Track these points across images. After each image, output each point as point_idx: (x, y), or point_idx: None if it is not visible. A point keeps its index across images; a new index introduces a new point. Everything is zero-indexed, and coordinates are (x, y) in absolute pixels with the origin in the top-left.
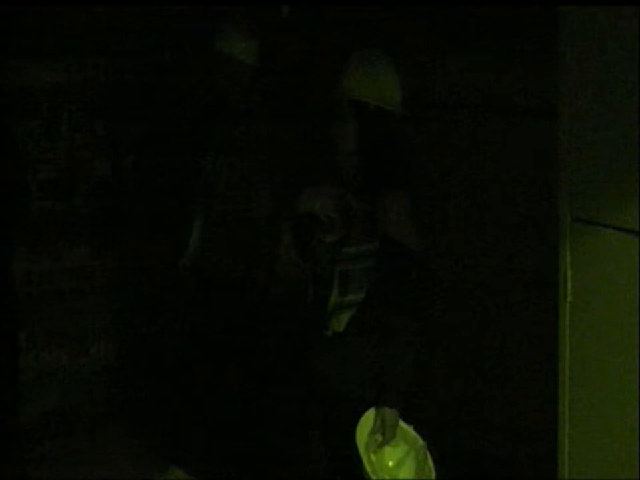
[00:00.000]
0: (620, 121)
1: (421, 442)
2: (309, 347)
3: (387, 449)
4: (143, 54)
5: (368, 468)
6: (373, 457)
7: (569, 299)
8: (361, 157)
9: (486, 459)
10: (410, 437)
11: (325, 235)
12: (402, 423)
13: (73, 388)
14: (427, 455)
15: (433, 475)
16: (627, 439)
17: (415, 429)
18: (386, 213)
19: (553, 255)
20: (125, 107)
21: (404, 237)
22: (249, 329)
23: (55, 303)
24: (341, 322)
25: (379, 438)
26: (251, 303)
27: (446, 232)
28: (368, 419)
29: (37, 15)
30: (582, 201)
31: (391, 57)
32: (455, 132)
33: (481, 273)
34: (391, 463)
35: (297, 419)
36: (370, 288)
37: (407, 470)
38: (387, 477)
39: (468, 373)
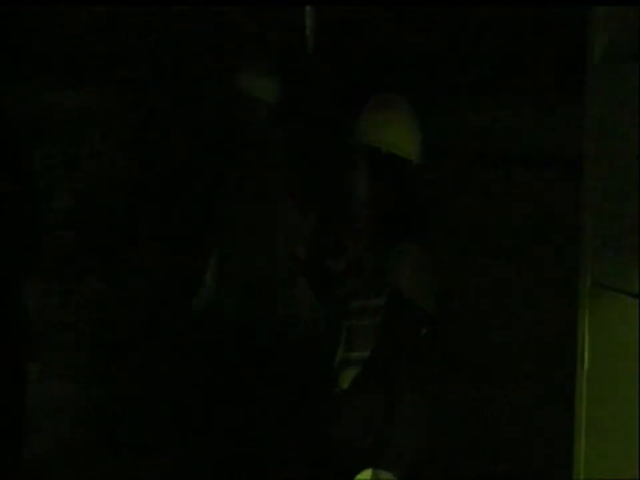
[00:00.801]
0: None
1: None
2: (316, 403)
3: None
4: (162, 87)
5: None
6: None
7: (586, 366)
8: (373, 206)
9: None
10: None
11: (335, 288)
12: None
13: (83, 421)
14: None
15: None
16: None
17: None
18: (396, 266)
19: (570, 321)
20: (144, 138)
21: (414, 293)
22: (258, 376)
23: (66, 334)
24: (346, 379)
25: None
26: (263, 348)
27: (461, 291)
28: (364, 477)
29: (59, 39)
30: (603, 265)
31: (411, 103)
32: (475, 184)
33: (495, 335)
34: None
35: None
36: (377, 345)
37: None
38: None
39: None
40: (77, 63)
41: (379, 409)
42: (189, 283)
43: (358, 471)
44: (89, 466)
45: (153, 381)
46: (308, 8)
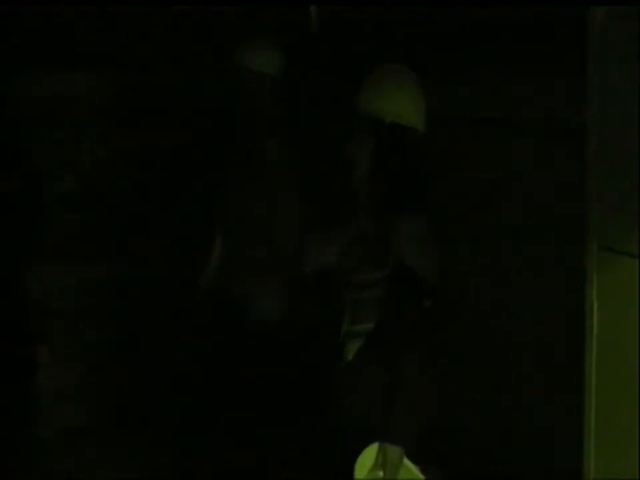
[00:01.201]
0: None
1: None
2: (322, 376)
3: None
4: (163, 66)
5: None
6: None
7: (595, 331)
8: (376, 177)
9: None
10: (414, 478)
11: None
12: (407, 462)
13: (91, 405)
14: None
15: None
16: None
17: (424, 470)
18: (399, 237)
19: (578, 287)
20: (146, 120)
21: (417, 263)
22: (261, 353)
23: (73, 318)
24: (349, 351)
25: (379, 475)
26: (266, 324)
27: (464, 260)
28: (370, 453)
29: (60, 25)
30: (610, 229)
31: (414, 71)
32: (478, 152)
33: (500, 302)
34: None
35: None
36: (380, 316)
37: None
38: None
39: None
40: (79, 50)
41: (383, 381)
42: (195, 265)
43: (364, 444)
44: (98, 450)
45: (162, 363)
46: None
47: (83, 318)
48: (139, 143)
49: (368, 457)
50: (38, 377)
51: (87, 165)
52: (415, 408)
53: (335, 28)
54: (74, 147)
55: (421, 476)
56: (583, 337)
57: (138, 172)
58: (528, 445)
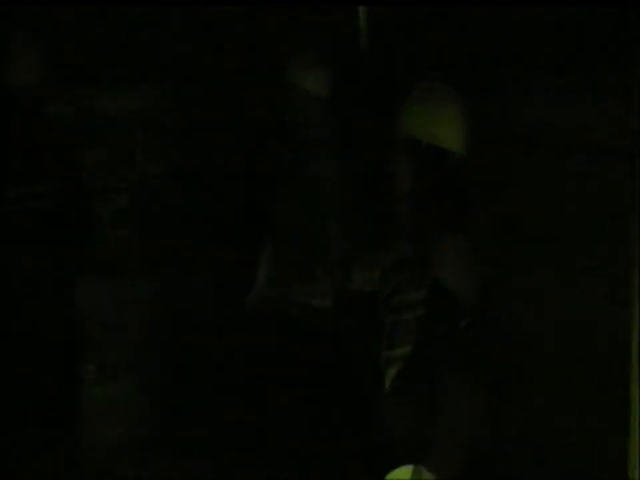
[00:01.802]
0: None
1: None
2: (362, 401)
3: None
4: (214, 83)
5: None
6: None
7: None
8: (416, 198)
9: None
10: None
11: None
12: None
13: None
14: None
15: None
16: None
17: None
18: (438, 258)
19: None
20: (196, 137)
21: (455, 285)
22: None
23: (121, 334)
24: (387, 377)
25: None
26: (315, 341)
27: (510, 280)
28: (403, 473)
29: (111, 42)
30: None
31: (456, 89)
32: (525, 172)
33: (547, 325)
34: None
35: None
36: (418, 340)
37: None
38: None
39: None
40: (127, 66)
41: (423, 406)
42: (242, 282)
43: None
44: (143, 466)
45: (207, 380)
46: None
47: (132, 333)
48: (190, 159)
49: (401, 476)
50: (84, 392)
51: (138, 181)
52: (457, 432)
53: (383, 43)
54: (125, 164)
55: None
56: (628, 355)
57: (188, 188)
58: (574, 464)
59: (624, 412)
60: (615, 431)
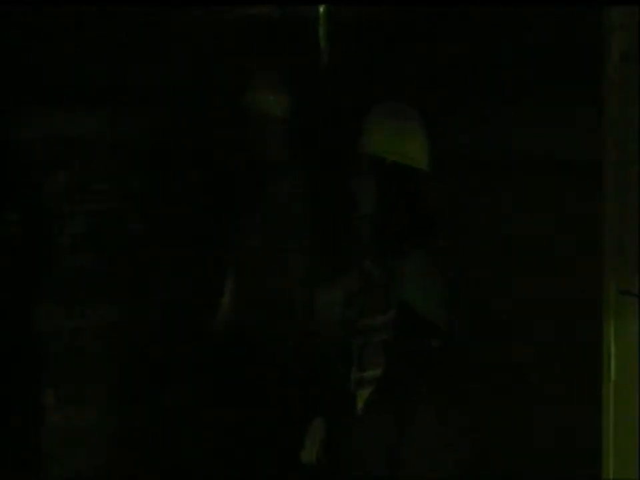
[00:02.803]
0: None
1: None
2: (333, 424)
3: None
4: (172, 106)
5: None
6: None
7: (612, 377)
8: (380, 217)
9: None
10: None
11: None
12: None
13: (99, 449)
14: None
15: None
16: None
17: None
18: (404, 279)
19: (596, 331)
20: (154, 160)
21: (424, 306)
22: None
23: (83, 360)
24: (359, 398)
25: None
26: (281, 366)
27: (479, 301)
28: None
29: (68, 63)
30: (629, 271)
31: (416, 110)
32: (490, 192)
33: (518, 348)
34: None
35: None
36: (388, 362)
37: None
38: None
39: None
40: (85, 88)
41: (392, 428)
42: (206, 305)
43: None
44: None
45: (171, 406)
46: (321, 19)
47: (92, 360)
48: (149, 183)
49: None
50: (44, 419)
51: (97, 206)
52: (422, 455)
53: (342, 64)
54: (83, 189)
55: None
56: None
57: (148, 213)
58: None
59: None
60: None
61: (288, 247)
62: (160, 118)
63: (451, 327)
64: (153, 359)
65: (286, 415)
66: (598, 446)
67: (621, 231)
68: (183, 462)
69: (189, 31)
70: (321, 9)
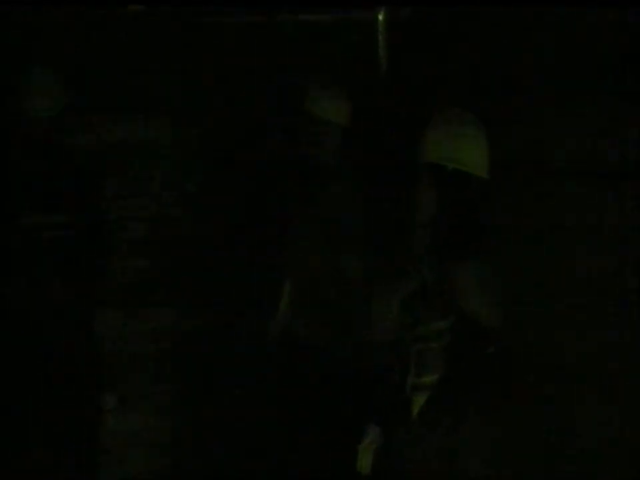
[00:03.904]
0: None
1: None
2: (390, 431)
3: None
4: (230, 112)
5: None
6: None
7: None
8: (438, 224)
9: None
10: None
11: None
12: None
13: (158, 452)
14: None
15: None
16: None
17: None
18: (461, 286)
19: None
20: (213, 166)
21: (482, 314)
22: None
23: (141, 364)
24: (416, 405)
25: None
26: (337, 372)
27: (528, 305)
28: None
29: (129, 72)
30: None
31: (476, 116)
32: (539, 197)
33: (566, 351)
34: None
35: None
36: (446, 368)
37: None
38: None
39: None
40: (146, 96)
41: (449, 434)
42: (263, 310)
43: None
44: None
45: (229, 410)
46: (380, 28)
47: (150, 363)
48: (206, 188)
49: None
50: (104, 423)
51: (155, 211)
52: (478, 461)
53: (402, 71)
54: (142, 193)
55: None
56: None
57: (205, 217)
58: None
59: None
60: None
61: (343, 252)
62: (217, 123)
63: (505, 332)
64: (210, 362)
65: (341, 422)
66: None
67: None
68: (238, 465)
69: (246, 37)
70: (380, 15)
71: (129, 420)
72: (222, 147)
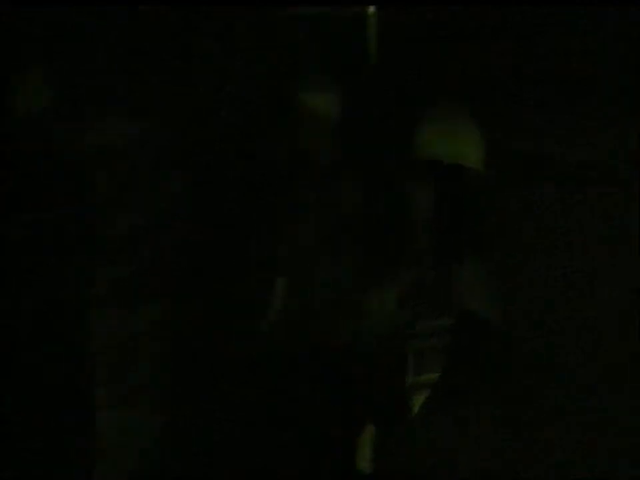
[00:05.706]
0: None
1: None
2: (387, 429)
3: None
4: (221, 107)
5: None
6: None
7: None
8: (436, 221)
9: None
10: None
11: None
12: None
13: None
14: None
15: None
16: None
17: None
18: (461, 283)
19: None
20: (204, 165)
21: (483, 311)
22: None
23: (134, 361)
24: (416, 403)
25: None
26: (333, 368)
27: (529, 302)
28: None
29: (116, 74)
30: None
31: (471, 110)
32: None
33: (567, 347)
34: None
35: None
36: (446, 366)
37: None
38: None
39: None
40: (138, 95)
41: (449, 433)
42: (257, 306)
43: None
44: None
45: (222, 406)
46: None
47: (143, 361)
48: (198, 185)
49: None
50: (96, 419)
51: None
52: (481, 459)
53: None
54: (133, 192)
55: None
56: None
57: (199, 215)
58: None
59: None
60: None
61: (339, 248)
62: (209, 120)
63: (506, 330)
64: (204, 359)
65: (338, 419)
66: None
67: None
68: (234, 462)
69: (236, 33)
70: (371, 8)
71: (121, 418)
72: (217, 144)
